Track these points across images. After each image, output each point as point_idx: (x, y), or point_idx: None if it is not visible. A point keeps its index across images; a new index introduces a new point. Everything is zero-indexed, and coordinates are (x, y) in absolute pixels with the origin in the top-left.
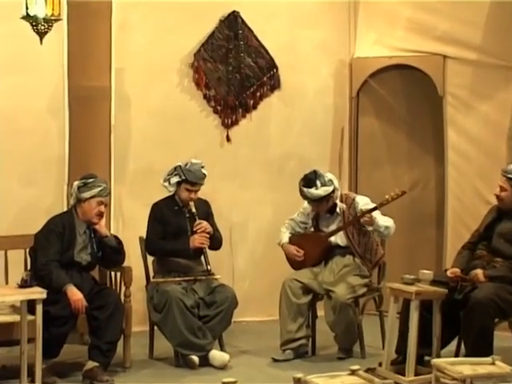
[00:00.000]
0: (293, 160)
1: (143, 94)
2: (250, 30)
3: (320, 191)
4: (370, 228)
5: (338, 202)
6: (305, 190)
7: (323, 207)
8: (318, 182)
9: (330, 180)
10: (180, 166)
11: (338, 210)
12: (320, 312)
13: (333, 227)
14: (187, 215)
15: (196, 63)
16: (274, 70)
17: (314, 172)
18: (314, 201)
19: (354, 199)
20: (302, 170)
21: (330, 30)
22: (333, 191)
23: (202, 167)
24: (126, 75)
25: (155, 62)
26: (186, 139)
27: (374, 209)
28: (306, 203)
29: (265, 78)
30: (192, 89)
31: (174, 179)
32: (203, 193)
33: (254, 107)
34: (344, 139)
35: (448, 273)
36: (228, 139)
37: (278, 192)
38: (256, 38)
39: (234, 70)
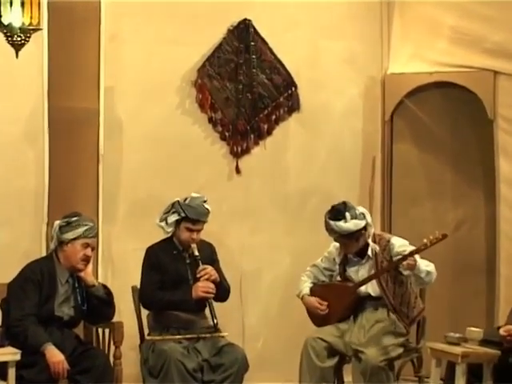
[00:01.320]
0: (315, 196)
1: (137, 117)
2: (263, 41)
3: (350, 224)
4: (406, 272)
5: (370, 242)
6: (331, 222)
7: (353, 247)
8: (348, 215)
9: (362, 214)
10: (178, 202)
11: (369, 252)
12: (347, 377)
13: (363, 273)
14: (188, 260)
15: (200, 81)
16: (293, 89)
17: (344, 203)
18: (343, 237)
19: (388, 241)
20: (326, 208)
21: (359, 42)
22: (365, 227)
23: (205, 201)
24: (118, 95)
25: (152, 80)
26: (188, 171)
27: (411, 254)
28: (331, 247)
29: (281, 99)
30: (195, 111)
31: (172, 218)
32: (208, 235)
33: (269, 133)
34: (376, 171)
35: (501, 331)
36: (238, 171)
37: (298, 234)
38: (271, 50)
39: (245, 89)
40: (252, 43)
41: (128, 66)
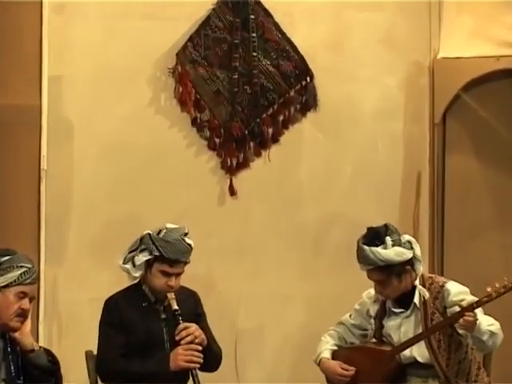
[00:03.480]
0: (338, 226)
1: (93, 118)
2: (267, 13)
3: (391, 252)
4: (462, 331)
5: (417, 284)
6: (366, 248)
7: (392, 288)
8: (389, 240)
9: (409, 242)
10: (150, 236)
11: (416, 299)
12: None
13: (407, 331)
14: (164, 316)
15: (180, 68)
16: (307, 79)
17: (385, 226)
18: (380, 271)
19: (442, 286)
20: (352, 242)
21: (399, 14)
22: (411, 262)
23: (186, 235)
24: (66, 88)
25: (113, 67)
26: (164, 192)
27: (469, 308)
28: (364, 296)
29: (292, 93)
30: (173, 110)
31: (142, 257)
32: (191, 280)
33: (275, 139)
34: (422, 191)
35: None
36: (232, 192)
37: (315, 279)
38: (278, 26)
39: (242, 80)
40: (252, 16)
41: (81, 48)
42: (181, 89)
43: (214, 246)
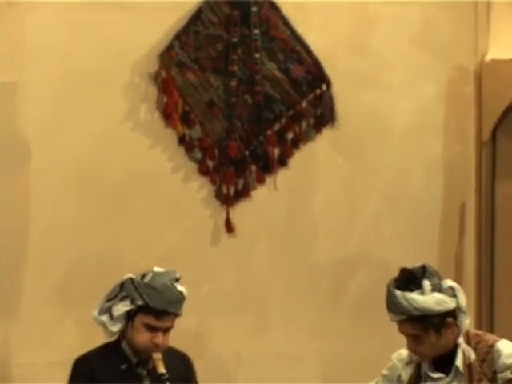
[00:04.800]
0: (361, 270)
1: (55, 136)
2: (274, 5)
3: (429, 299)
4: None
5: (460, 342)
6: (398, 293)
7: (430, 346)
8: (427, 284)
9: (451, 289)
10: (132, 281)
11: (458, 362)
12: None
13: None
14: (147, 381)
15: (164, 73)
16: (323, 87)
17: (422, 267)
18: (414, 323)
19: (492, 345)
20: (379, 290)
21: (439, 7)
22: (453, 313)
23: (177, 280)
24: (21, 98)
25: (79, 72)
26: (143, 228)
27: None
28: (393, 358)
29: (304, 103)
30: (156, 124)
31: (121, 307)
32: (180, 336)
33: (283, 162)
34: (467, 226)
35: None
36: (229, 228)
37: (332, 337)
38: (287, 22)
39: (242, 87)
40: (254, 9)
41: (39, 48)
42: (165, 99)
43: (207, 294)
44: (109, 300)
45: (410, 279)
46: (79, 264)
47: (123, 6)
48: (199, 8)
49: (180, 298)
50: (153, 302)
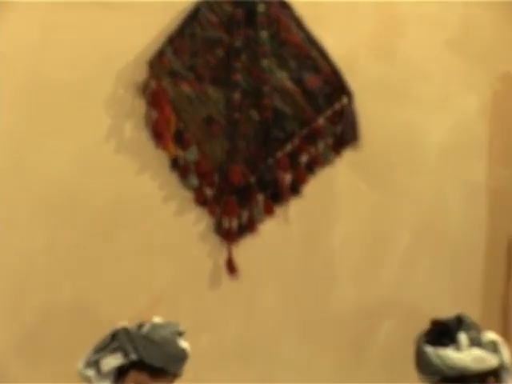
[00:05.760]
0: (388, 319)
1: (25, 159)
2: (284, 4)
3: (466, 356)
4: None
5: None
6: (429, 350)
7: None
8: (464, 338)
9: (493, 343)
10: (127, 331)
11: None
12: None
13: None
14: None
15: (154, 84)
16: (344, 101)
17: (458, 318)
18: (450, 382)
19: None
20: (409, 342)
21: (480, 6)
22: (496, 372)
23: (180, 334)
24: None
25: (54, 82)
26: (130, 268)
27: None
28: None
29: (321, 120)
30: (144, 145)
31: (112, 360)
32: None
33: (295, 190)
34: None
35: None
36: (231, 268)
37: None
38: (300, 23)
39: (247, 101)
40: (261, 8)
41: (7, 53)
42: (155, 114)
43: (205, 347)
44: (97, 352)
45: (442, 333)
46: (51, 312)
47: (106, 5)
48: (196, 7)
49: (182, 356)
50: (149, 358)
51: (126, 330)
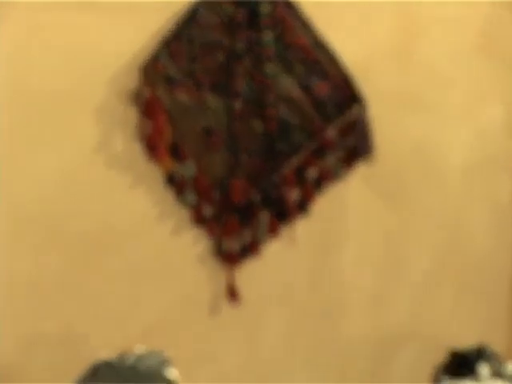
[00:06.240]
0: (404, 350)
1: (5, 173)
2: (290, 4)
3: None
4: None
5: None
6: (446, 382)
7: None
8: (484, 369)
9: None
10: (109, 364)
11: None
12: None
13: None
14: None
15: (147, 91)
16: (357, 110)
17: (478, 349)
18: None
19: None
20: (426, 373)
21: (509, 6)
22: None
23: (167, 364)
24: None
25: (37, 90)
26: (121, 294)
27: None
28: None
29: (331, 131)
30: (137, 158)
31: None
32: None
33: (303, 208)
34: None
35: None
36: (233, 294)
37: None
38: (307, 25)
39: (249, 110)
40: (265, 8)
41: None
42: (149, 125)
43: (205, 379)
44: None
45: (462, 363)
46: (34, 343)
47: (96, 5)
48: (194, 7)
49: None
50: None
51: (107, 363)
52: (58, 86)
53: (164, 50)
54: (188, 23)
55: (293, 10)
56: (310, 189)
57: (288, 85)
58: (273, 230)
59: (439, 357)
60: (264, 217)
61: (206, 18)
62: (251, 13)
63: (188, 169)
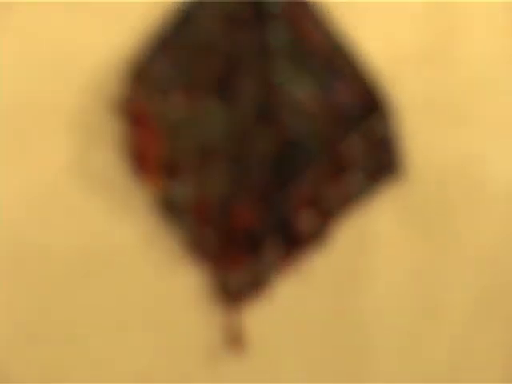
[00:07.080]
0: None
1: None
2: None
3: None
4: None
5: None
6: None
7: None
8: None
9: None
10: None
11: None
12: None
13: None
14: None
15: (134, 97)
16: (383, 121)
17: None
18: None
19: None
20: None
21: None
22: None
23: None
24: None
25: (11, 96)
26: (109, 337)
27: None
28: None
29: (350, 146)
30: (122, 177)
31: None
32: None
33: (318, 236)
34: None
35: None
36: (238, 340)
37: None
38: (323, 23)
39: (255, 121)
40: (273, 6)
41: None
42: (137, 138)
43: None
44: None
45: None
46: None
47: (78, 3)
48: (191, 3)
49: None
50: None
51: None
52: (29, 93)
53: (156, 52)
54: (184, 22)
55: (306, 6)
56: (327, 214)
57: (301, 92)
58: (284, 264)
59: None
60: (273, 247)
61: (205, 15)
62: (257, 10)
63: (183, 189)
